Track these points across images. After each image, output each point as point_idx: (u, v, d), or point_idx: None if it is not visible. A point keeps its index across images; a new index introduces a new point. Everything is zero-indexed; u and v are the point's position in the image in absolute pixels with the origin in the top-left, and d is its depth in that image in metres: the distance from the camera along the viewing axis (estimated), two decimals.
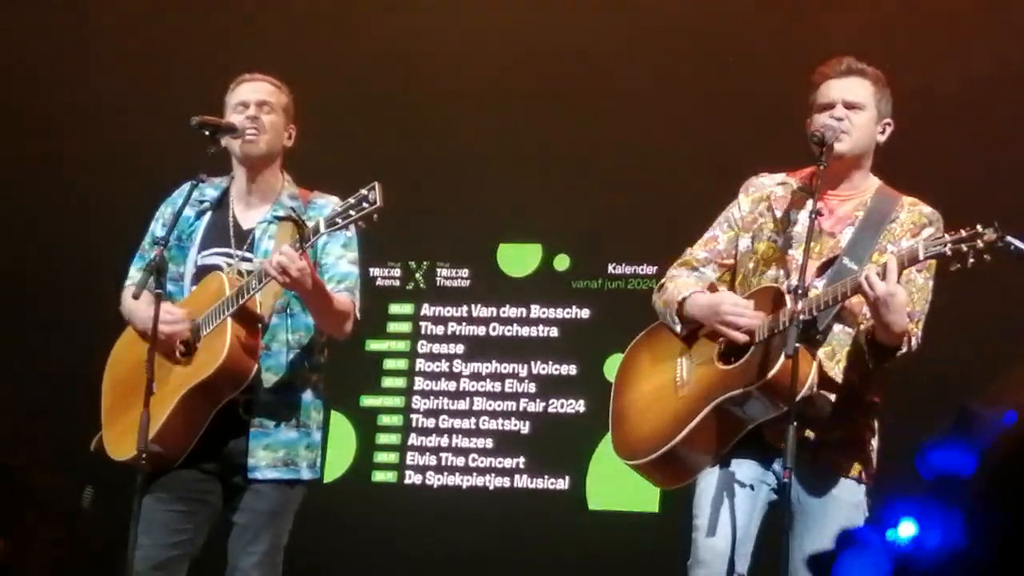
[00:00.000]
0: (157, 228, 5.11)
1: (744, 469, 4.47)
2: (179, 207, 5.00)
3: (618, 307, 7.29)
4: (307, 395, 4.97)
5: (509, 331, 7.57)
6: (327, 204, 4.96)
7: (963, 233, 4.16)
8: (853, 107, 4.54)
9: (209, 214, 5.07)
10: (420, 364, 7.62)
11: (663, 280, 4.69)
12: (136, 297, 4.86)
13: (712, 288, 4.60)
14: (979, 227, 4.14)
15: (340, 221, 4.62)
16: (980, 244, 4.12)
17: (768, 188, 4.67)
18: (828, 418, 4.42)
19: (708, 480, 4.50)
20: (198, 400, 4.81)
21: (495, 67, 7.55)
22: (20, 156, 7.71)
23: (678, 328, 4.56)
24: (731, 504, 4.43)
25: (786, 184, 4.65)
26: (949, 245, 4.16)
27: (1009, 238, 4.12)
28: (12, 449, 7.46)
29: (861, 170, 4.60)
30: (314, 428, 5.00)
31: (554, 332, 7.52)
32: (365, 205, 4.58)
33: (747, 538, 4.45)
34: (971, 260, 4.13)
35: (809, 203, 4.49)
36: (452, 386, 7.59)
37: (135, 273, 5.11)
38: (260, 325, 4.87)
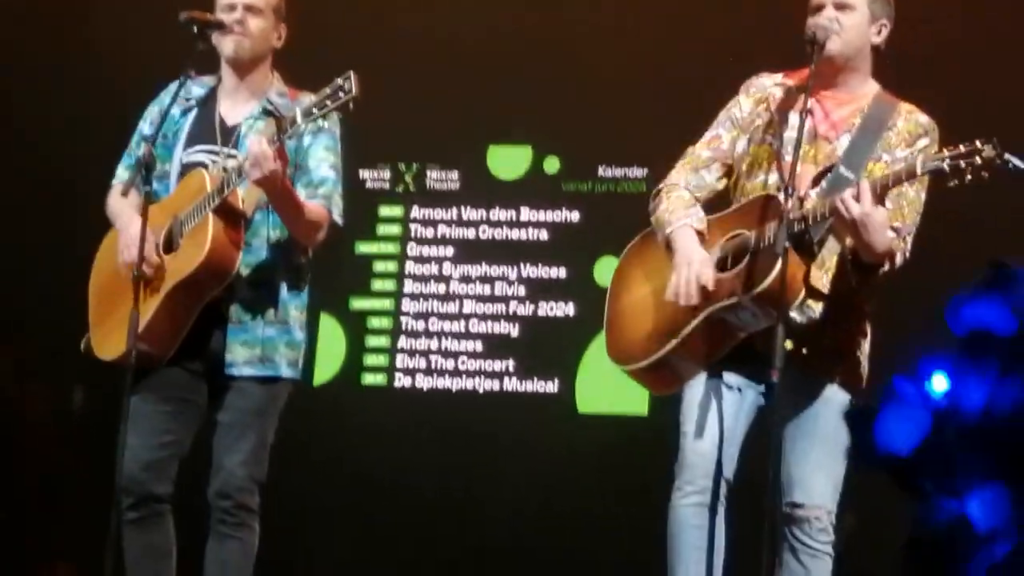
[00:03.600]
0: (144, 126, 5.09)
1: (732, 375, 4.46)
2: (166, 105, 4.97)
3: (608, 210, 7.25)
4: (286, 293, 4.95)
5: (499, 234, 7.54)
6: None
7: (962, 149, 4.11)
8: (843, 7, 4.48)
9: (195, 111, 5.04)
10: (409, 267, 7.59)
11: (661, 186, 4.64)
12: (124, 194, 4.86)
13: (711, 196, 4.57)
14: (978, 143, 4.09)
15: (316, 111, 4.58)
16: (978, 161, 4.07)
17: (768, 89, 4.62)
18: (818, 326, 4.40)
19: (695, 386, 4.49)
20: (182, 296, 4.80)
21: None
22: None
23: (667, 250, 4.52)
24: (718, 407, 4.43)
25: (784, 85, 4.60)
26: (947, 161, 4.11)
27: (1008, 156, 4.08)
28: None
29: (857, 73, 4.54)
30: (295, 326, 4.97)
31: (544, 235, 7.48)
32: (341, 94, 4.54)
33: (733, 440, 4.45)
34: (968, 177, 4.08)
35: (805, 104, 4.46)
36: (441, 289, 7.57)
37: (123, 172, 5.10)
38: (243, 221, 4.84)
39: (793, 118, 4.48)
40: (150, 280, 4.82)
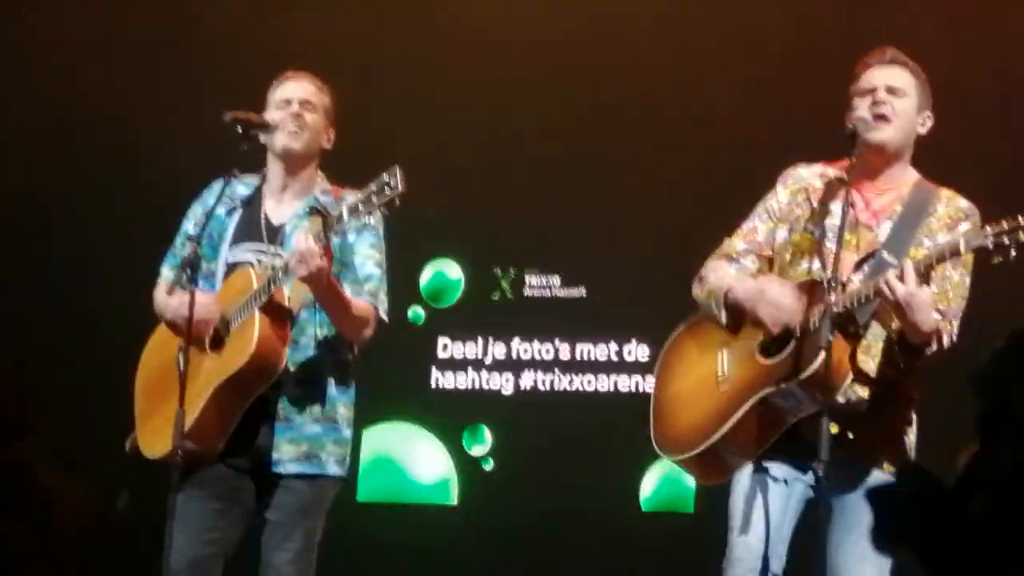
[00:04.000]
0: (188, 226, 5.12)
1: (778, 466, 4.43)
2: (211, 205, 5.00)
3: None
4: (334, 389, 4.95)
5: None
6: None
7: (1004, 225, 4.11)
8: (895, 92, 4.50)
9: (240, 211, 5.06)
10: None
11: (702, 271, 4.65)
12: (170, 294, 4.88)
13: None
14: (1021, 218, 4.09)
15: (362, 207, 4.58)
16: (1022, 236, 4.07)
17: (806, 180, 4.62)
18: (864, 412, 4.38)
19: (742, 479, 4.47)
20: (229, 394, 4.81)
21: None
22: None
23: (723, 316, 4.52)
24: (764, 501, 4.40)
25: (824, 176, 4.60)
26: (991, 237, 4.11)
27: None
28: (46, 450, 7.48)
29: (901, 162, 4.55)
30: (342, 424, 4.97)
31: None
32: (387, 190, 4.54)
33: (780, 535, 4.41)
34: (1013, 253, 4.08)
35: (844, 194, 4.47)
36: None
37: (167, 272, 5.12)
38: (289, 318, 4.86)
39: (834, 207, 4.48)
40: (198, 379, 4.83)
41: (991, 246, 4.11)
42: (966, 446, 4.15)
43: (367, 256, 4.98)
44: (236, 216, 5.06)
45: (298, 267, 4.67)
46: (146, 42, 7.78)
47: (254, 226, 5.02)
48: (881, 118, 4.46)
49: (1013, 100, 6.78)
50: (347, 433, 4.99)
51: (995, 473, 3.99)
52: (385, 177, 4.56)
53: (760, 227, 4.64)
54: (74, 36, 7.84)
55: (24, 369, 7.42)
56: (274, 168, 5.06)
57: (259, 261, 4.95)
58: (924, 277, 4.21)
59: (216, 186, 5.09)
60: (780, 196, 4.65)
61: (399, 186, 4.52)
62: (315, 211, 4.85)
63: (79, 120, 7.74)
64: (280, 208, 5.05)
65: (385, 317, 5.00)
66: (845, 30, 6.80)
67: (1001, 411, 4.12)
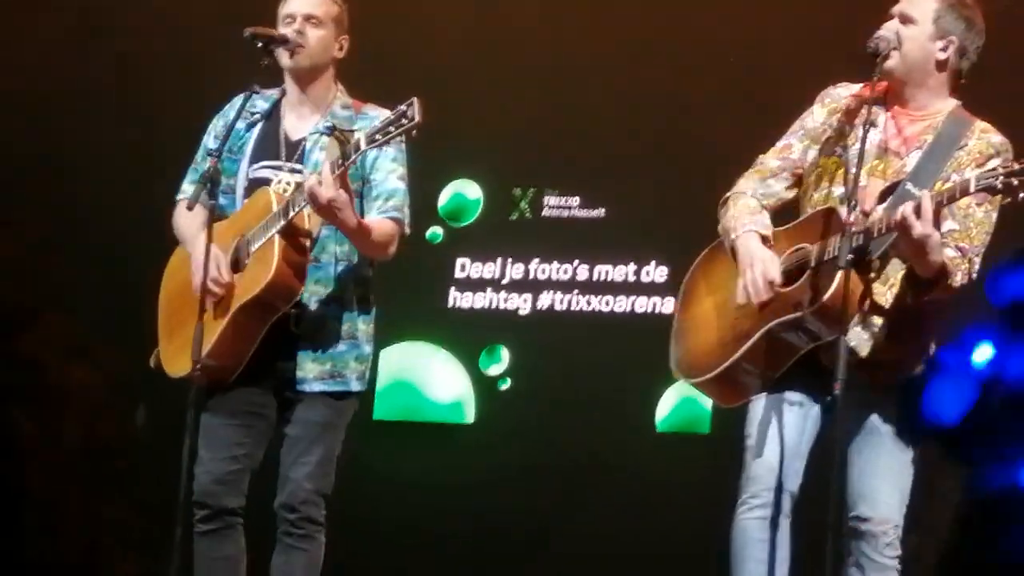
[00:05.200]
0: (209, 141, 5.12)
1: (794, 389, 4.45)
2: (231, 119, 5.00)
3: None
4: (355, 307, 4.98)
5: None
6: (378, 116, 4.90)
7: (1015, 166, 4.06)
8: (907, 20, 4.46)
9: (260, 125, 5.07)
10: None
11: (728, 194, 4.63)
12: (190, 208, 4.89)
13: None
14: None
15: (380, 138, 4.62)
16: None
17: (842, 99, 4.59)
18: (881, 342, 4.39)
19: (758, 402, 4.49)
20: (250, 316, 4.84)
21: None
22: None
23: (731, 257, 4.52)
24: (779, 423, 4.42)
25: (859, 97, 4.54)
26: (1001, 179, 4.06)
27: None
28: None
29: (926, 89, 4.48)
30: (363, 340, 5.00)
31: None
32: (404, 121, 4.58)
33: (797, 456, 4.44)
34: (1021, 194, 4.04)
35: (880, 118, 4.44)
36: None
37: (187, 187, 5.13)
38: (309, 239, 4.88)
39: (862, 131, 4.47)
40: (219, 299, 4.87)
41: (1000, 187, 4.07)
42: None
43: (390, 171, 4.98)
44: (256, 131, 5.07)
45: (311, 203, 4.68)
46: None
47: (273, 141, 5.03)
48: (890, 45, 4.42)
49: None
50: (368, 349, 5.03)
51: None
52: (403, 107, 4.59)
53: (795, 145, 4.62)
54: None
55: (36, 259, 7.46)
56: (289, 83, 5.07)
57: (277, 178, 4.96)
58: (935, 216, 4.18)
59: (237, 101, 5.09)
60: (816, 114, 4.62)
61: (416, 117, 4.56)
62: (334, 134, 4.86)
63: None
64: (299, 123, 5.05)
65: (407, 231, 5.02)
66: None
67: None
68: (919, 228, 4.12)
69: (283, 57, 4.97)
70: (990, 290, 5.35)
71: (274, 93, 5.12)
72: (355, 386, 4.99)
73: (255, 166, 5.00)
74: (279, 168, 4.99)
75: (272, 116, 5.07)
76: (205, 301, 4.74)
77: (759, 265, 4.38)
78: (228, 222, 4.96)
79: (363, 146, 4.65)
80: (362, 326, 5.00)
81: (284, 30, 4.97)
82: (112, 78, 7.67)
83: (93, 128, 7.58)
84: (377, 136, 4.62)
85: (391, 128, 4.60)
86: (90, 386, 7.48)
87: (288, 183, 4.93)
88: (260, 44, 4.90)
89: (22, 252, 7.43)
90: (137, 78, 7.64)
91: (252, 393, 4.95)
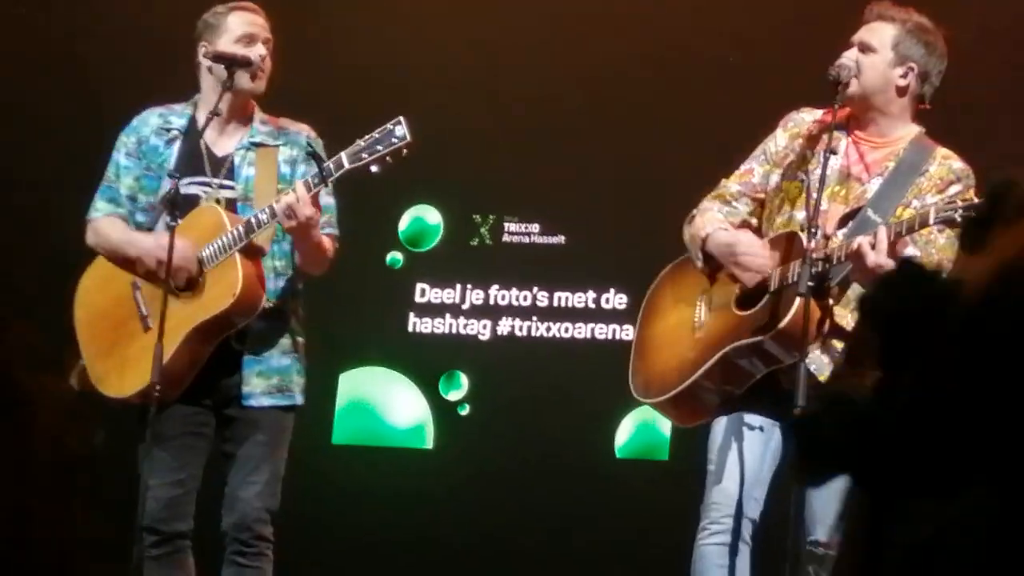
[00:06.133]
0: (121, 157, 5.04)
1: (755, 413, 4.46)
2: (145, 135, 4.98)
3: None
4: (293, 321, 4.99)
5: None
6: (300, 132, 4.98)
7: (974, 200, 4.09)
8: (865, 48, 4.48)
9: (179, 142, 5.00)
10: None
11: (694, 212, 4.66)
12: (151, 229, 4.87)
13: (744, 226, 4.58)
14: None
15: (366, 156, 4.58)
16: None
17: (806, 124, 4.62)
18: (841, 365, 4.39)
19: (719, 426, 4.49)
20: (206, 334, 4.82)
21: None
22: None
23: (700, 264, 4.53)
24: (739, 448, 4.43)
25: (822, 122, 4.57)
26: (959, 211, 4.09)
27: None
28: None
29: (887, 115, 4.51)
30: (302, 353, 5.02)
31: None
32: (394, 140, 4.54)
33: (758, 482, 4.44)
34: None
35: (841, 144, 4.47)
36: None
37: (101, 204, 5.04)
38: (260, 256, 4.87)
39: (824, 157, 4.48)
40: (163, 318, 4.77)
41: (958, 219, 4.08)
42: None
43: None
44: (175, 147, 4.99)
45: (286, 220, 4.66)
46: None
47: (197, 158, 4.96)
48: (850, 73, 4.44)
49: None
50: (304, 362, 5.02)
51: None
52: (390, 126, 4.55)
53: (756, 169, 4.64)
54: None
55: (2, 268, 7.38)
56: (221, 100, 4.89)
57: (206, 194, 4.92)
58: (892, 246, 4.20)
59: (148, 115, 5.06)
60: (779, 139, 4.65)
61: (407, 136, 4.51)
62: (312, 156, 4.83)
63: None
64: (222, 139, 4.99)
65: (336, 244, 5.01)
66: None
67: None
68: (872, 258, 4.14)
69: (242, 79, 4.91)
70: None
71: (186, 108, 5.06)
72: (299, 399, 4.99)
73: (182, 183, 4.89)
74: (207, 184, 4.95)
75: (190, 131, 5.00)
76: (165, 316, 4.67)
77: (743, 242, 4.40)
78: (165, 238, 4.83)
79: (346, 165, 4.62)
80: (300, 339, 5.01)
81: (244, 50, 4.92)
82: (74, 86, 7.58)
83: (56, 135, 7.50)
84: (363, 155, 4.58)
85: (379, 147, 4.55)
86: (59, 396, 7.42)
87: (219, 199, 4.89)
88: (226, 68, 4.86)
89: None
90: (97, 88, 7.55)
91: (192, 412, 4.91)
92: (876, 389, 2.00)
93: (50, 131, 7.32)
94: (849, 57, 4.46)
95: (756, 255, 4.38)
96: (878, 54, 4.48)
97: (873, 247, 4.14)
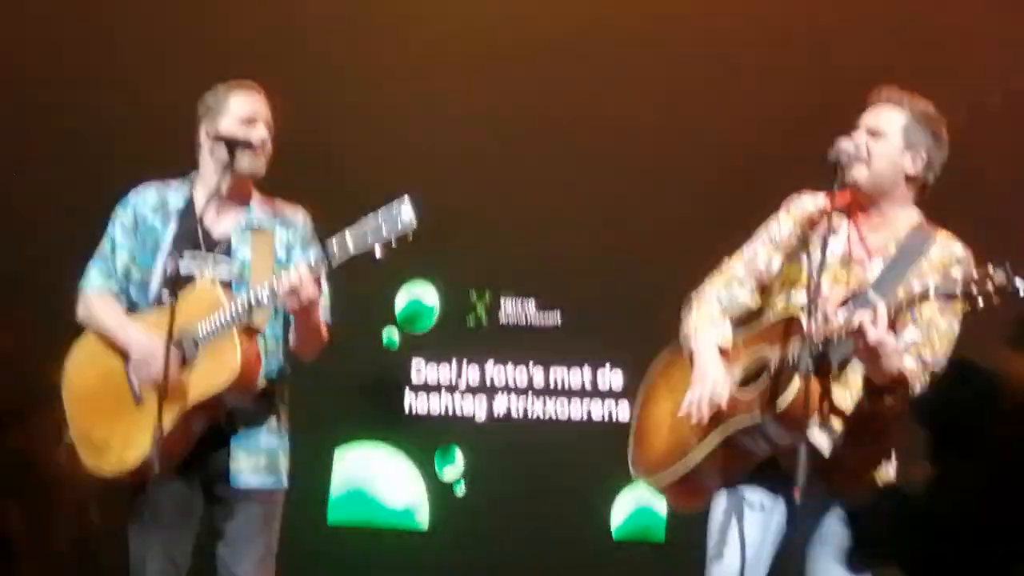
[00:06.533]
0: (117, 233, 5.04)
1: (755, 492, 4.44)
2: (143, 213, 4.99)
3: None
4: (281, 401, 4.99)
5: None
6: (296, 215, 5.00)
7: (974, 275, 4.08)
8: (875, 134, 4.49)
9: (176, 220, 5.00)
10: None
11: (695, 295, 4.65)
12: (149, 304, 4.86)
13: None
14: (990, 268, 4.06)
15: (371, 240, 4.51)
16: (990, 287, 4.03)
17: (808, 209, 4.61)
18: (841, 446, 4.38)
19: (720, 505, 4.47)
20: (201, 413, 4.80)
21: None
22: None
23: (688, 359, 4.54)
24: (740, 527, 4.41)
25: (824, 206, 4.55)
26: (960, 286, 4.08)
27: (1019, 282, 4.02)
28: None
29: (892, 200, 4.51)
30: (287, 434, 5.01)
31: None
32: (400, 224, 4.48)
33: (759, 561, 4.42)
34: (980, 302, 4.05)
35: (842, 227, 4.47)
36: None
37: (96, 278, 5.04)
38: (256, 335, 4.85)
39: (825, 240, 4.47)
40: (153, 396, 4.74)
41: (958, 294, 4.08)
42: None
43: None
44: (172, 225, 5.00)
45: (289, 298, 4.64)
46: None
47: (193, 237, 4.95)
48: (856, 158, 4.44)
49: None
50: (288, 443, 5.02)
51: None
52: (395, 209, 4.49)
53: (760, 252, 4.64)
54: None
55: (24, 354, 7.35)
56: (221, 178, 4.90)
57: (201, 273, 4.91)
58: (892, 322, 4.19)
59: (145, 192, 5.06)
60: (782, 222, 4.65)
61: (413, 222, 4.45)
62: (320, 242, 4.81)
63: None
64: (219, 219, 4.99)
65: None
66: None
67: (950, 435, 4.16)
68: (873, 334, 4.14)
69: (243, 160, 4.91)
70: None
71: (183, 185, 5.06)
72: (285, 482, 4.99)
73: (179, 261, 4.87)
74: (203, 263, 4.94)
75: (188, 210, 5.01)
76: (163, 397, 4.62)
77: (708, 385, 4.39)
78: (159, 316, 4.80)
79: (351, 250, 4.53)
80: (286, 421, 5.01)
81: (245, 132, 4.92)
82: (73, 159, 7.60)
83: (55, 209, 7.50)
84: (369, 240, 4.49)
85: (383, 229, 4.49)
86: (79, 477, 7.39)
87: (214, 279, 4.88)
88: (228, 150, 4.86)
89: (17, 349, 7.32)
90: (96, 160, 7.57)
91: (181, 490, 4.89)
92: (928, 482, 2.00)
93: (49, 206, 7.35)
94: (856, 141, 4.45)
95: (707, 399, 4.37)
96: (888, 140, 4.49)
97: (874, 323, 4.14)
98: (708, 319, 4.54)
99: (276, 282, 4.68)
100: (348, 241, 4.55)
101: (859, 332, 4.16)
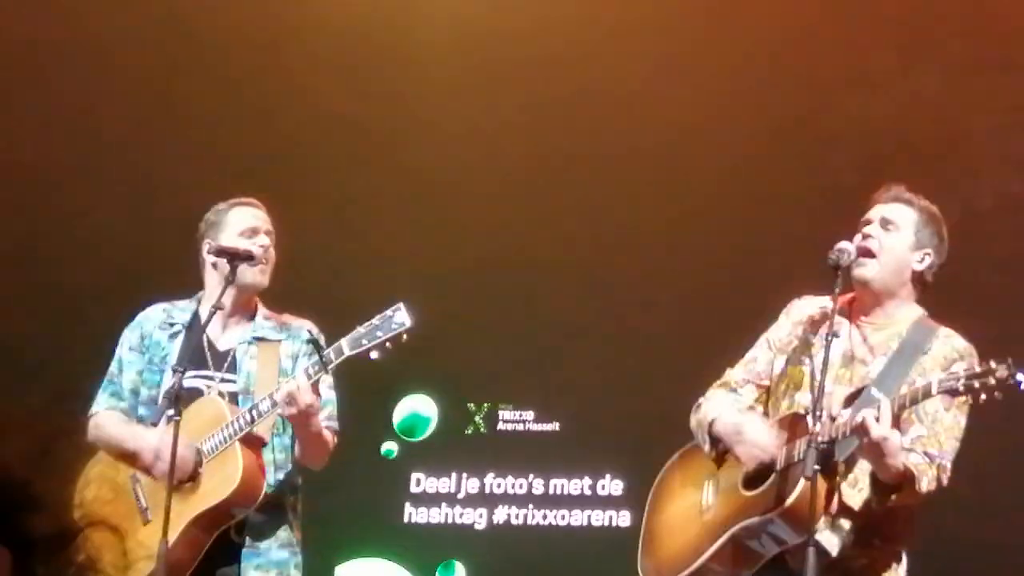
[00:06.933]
0: (124, 352, 5.06)
1: None
2: (149, 331, 5.01)
3: None
4: (291, 514, 4.96)
5: None
6: (303, 327, 4.99)
7: (976, 369, 4.08)
8: (888, 226, 4.50)
9: (182, 336, 5.02)
10: None
11: (700, 400, 4.67)
12: (155, 424, 4.86)
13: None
14: (992, 363, 4.05)
15: (366, 343, 4.58)
16: (992, 381, 4.02)
17: (808, 312, 4.62)
18: (850, 546, 4.36)
19: None
20: (205, 525, 4.78)
21: None
22: None
23: (707, 448, 4.53)
24: None
25: (825, 308, 4.54)
26: (962, 381, 4.07)
27: (1020, 376, 4.00)
28: None
29: (895, 299, 4.50)
30: (299, 547, 4.97)
31: None
32: (394, 326, 4.56)
33: None
34: (983, 396, 4.04)
35: (844, 328, 4.48)
36: None
37: (103, 400, 5.05)
38: (262, 447, 4.85)
39: (827, 341, 4.47)
40: (162, 508, 4.68)
41: (961, 389, 4.07)
42: None
43: (320, 380, 4.89)
44: (178, 341, 5.01)
45: (287, 407, 4.66)
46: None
47: (199, 352, 4.95)
48: (866, 252, 4.45)
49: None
50: (301, 557, 4.97)
51: None
52: (389, 313, 4.57)
53: (760, 356, 4.65)
54: None
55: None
56: (224, 293, 4.90)
57: (208, 388, 4.91)
58: (896, 419, 4.19)
59: (152, 310, 5.09)
60: (782, 326, 4.66)
61: (407, 323, 4.54)
62: (313, 344, 4.84)
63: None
64: (225, 333, 5.01)
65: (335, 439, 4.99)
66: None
67: None
68: (877, 431, 4.13)
69: (246, 273, 4.92)
70: None
71: (190, 303, 5.09)
72: None
73: (184, 376, 4.81)
74: (210, 378, 4.95)
75: (193, 326, 5.02)
76: (170, 495, 4.60)
77: (750, 426, 4.39)
78: (166, 431, 4.78)
79: (346, 352, 4.61)
80: (297, 534, 4.97)
81: (247, 244, 4.94)
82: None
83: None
84: (363, 341, 4.58)
85: (379, 333, 4.56)
86: None
87: (222, 392, 4.89)
88: (228, 262, 4.87)
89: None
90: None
91: None
92: None
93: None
94: (868, 233, 4.47)
95: (762, 436, 4.37)
96: (901, 234, 4.50)
97: (878, 420, 4.14)
98: (721, 406, 4.54)
99: (276, 392, 4.70)
100: (344, 346, 4.62)
101: (863, 429, 4.16)
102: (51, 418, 5.98)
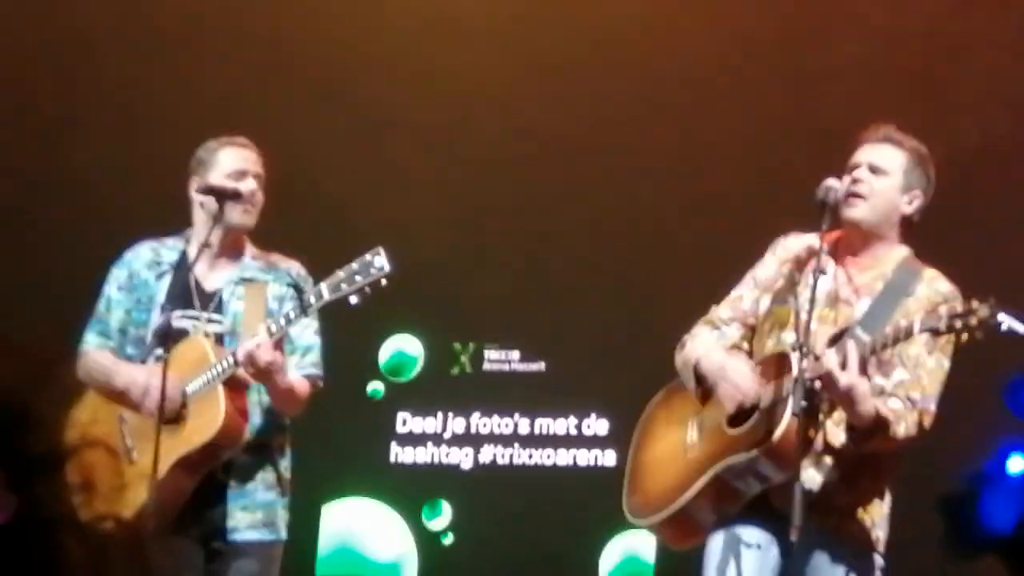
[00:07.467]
0: (112, 291, 5.05)
1: (751, 530, 4.41)
2: (136, 269, 5.00)
3: None
4: (278, 456, 4.96)
5: None
6: (290, 268, 4.99)
7: (958, 308, 4.08)
8: (877, 171, 4.48)
9: (170, 275, 5.01)
10: None
11: (685, 337, 4.65)
12: (143, 361, 4.85)
13: (735, 350, 4.57)
14: (974, 302, 4.05)
15: (345, 287, 4.56)
16: (973, 320, 4.03)
17: (794, 250, 4.62)
18: (834, 483, 4.37)
19: (714, 543, 4.44)
20: (191, 466, 4.79)
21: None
22: None
23: (693, 386, 4.53)
24: (737, 566, 4.38)
25: (811, 247, 4.53)
26: (944, 320, 4.07)
27: (1002, 316, 4.00)
28: None
29: (883, 240, 4.50)
30: (287, 488, 4.99)
31: None
32: (372, 271, 4.54)
33: None
34: (964, 336, 4.05)
35: (829, 267, 4.47)
36: None
37: (92, 337, 5.05)
38: (245, 389, 4.85)
39: (813, 279, 4.46)
40: (150, 449, 4.69)
41: (943, 329, 4.08)
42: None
43: (306, 325, 4.94)
44: (166, 281, 5.01)
45: (247, 367, 4.66)
46: None
47: (186, 291, 4.96)
48: (855, 196, 4.43)
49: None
50: (288, 497, 4.99)
51: None
52: (368, 257, 4.55)
53: (746, 295, 4.64)
54: None
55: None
56: (212, 233, 4.91)
57: (195, 327, 4.91)
58: (878, 358, 4.19)
59: (140, 248, 5.08)
60: (768, 264, 4.65)
61: (386, 267, 4.52)
62: (294, 287, 4.83)
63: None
64: (212, 273, 5.00)
65: (320, 384, 4.99)
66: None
67: None
68: (843, 380, 4.13)
69: (233, 213, 4.91)
70: (1011, 403, 5.44)
71: (178, 242, 5.07)
72: (284, 534, 4.96)
73: (172, 316, 4.86)
74: (196, 318, 4.94)
75: (181, 265, 5.01)
76: (159, 447, 4.61)
77: (734, 365, 4.39)
78: (153, 369, 4.83)
79: (326, 296, 4.60)
80: (285, 475, 4.98)
81: (235, 184, 4.92)
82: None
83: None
84: (342, 286, 4.56)
85: (357, 277, 4.54)
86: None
87: (207, 333, 4.89)
88: (216, 200, 4.86)
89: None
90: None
91: (179, 545, 4.86)
92: None
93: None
94: (856, 178, 4.45)
95: (745, 377, 4.37)
96: (890, 178, 4.49)
97: (844, 366, 4.13)
98: (706, 345, 4.54)
99: (237, 350, 4.69)
100: (324, 290, 4.61)
101: (828, 379, 4.16)
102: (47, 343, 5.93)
